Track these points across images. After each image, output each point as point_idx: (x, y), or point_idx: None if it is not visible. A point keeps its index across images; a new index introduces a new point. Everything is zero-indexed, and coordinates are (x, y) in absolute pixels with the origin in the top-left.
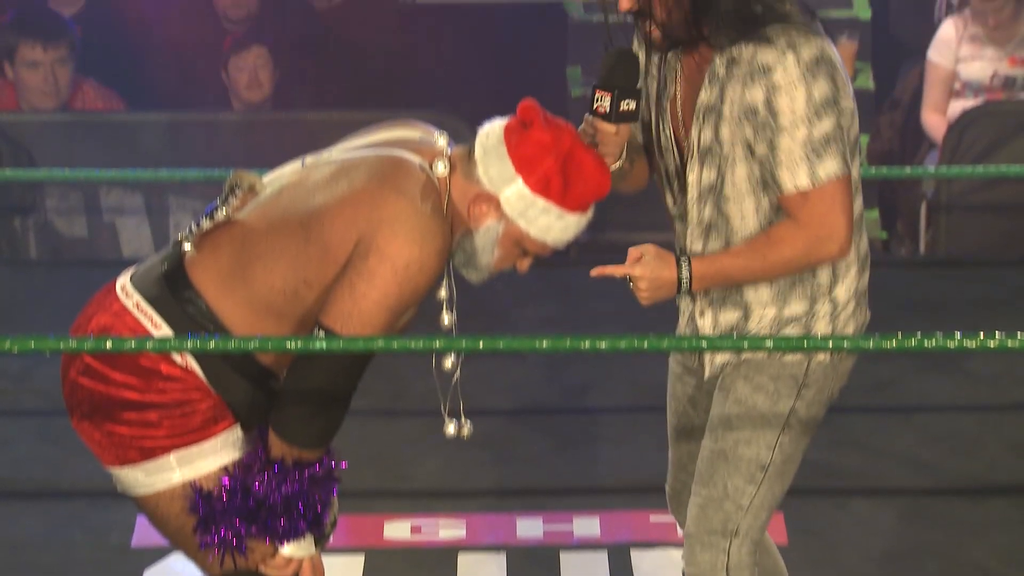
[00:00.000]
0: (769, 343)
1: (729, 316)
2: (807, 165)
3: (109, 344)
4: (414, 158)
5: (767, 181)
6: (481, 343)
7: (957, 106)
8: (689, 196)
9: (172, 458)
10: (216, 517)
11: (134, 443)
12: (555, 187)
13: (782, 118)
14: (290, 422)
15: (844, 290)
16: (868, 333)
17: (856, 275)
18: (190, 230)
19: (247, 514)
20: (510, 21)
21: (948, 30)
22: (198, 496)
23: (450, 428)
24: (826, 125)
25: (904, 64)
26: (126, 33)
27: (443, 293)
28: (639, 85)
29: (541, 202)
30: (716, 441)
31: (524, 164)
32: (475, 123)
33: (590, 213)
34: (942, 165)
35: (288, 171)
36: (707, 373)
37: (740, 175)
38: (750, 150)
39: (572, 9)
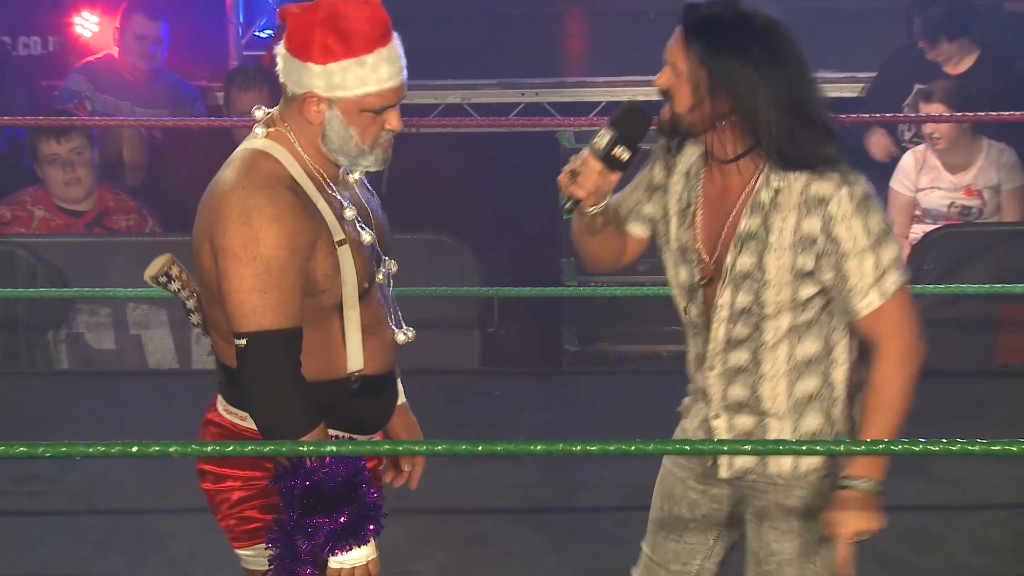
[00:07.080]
0: (748, 447)
1: (745, 420)
2: (878, 287)
3: (135, 449)
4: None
5: (841, 305)
6: (480, 447)
7: (919, 230)
8: (718, 316)
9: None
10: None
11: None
12: (335, 46)
13: (844, 245)
14: (262, 421)
15: (861, 410)
16: (840, 439)
17: None
18: (194, 324)
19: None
20: (507, 150)
21: (908, 161)
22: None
23: (400, 336)
24: (890, 252)
25: None
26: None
27: (348, 213)
28: (641, 145)
29: (335, 66)
30: (760, 564)
31: (303, 50)
32: (474, 244)
33: (391, 39)
34: None
35: None
36: (723, 472)
37: (783, 296)
38: (801, 275)
39: (564, 140)
